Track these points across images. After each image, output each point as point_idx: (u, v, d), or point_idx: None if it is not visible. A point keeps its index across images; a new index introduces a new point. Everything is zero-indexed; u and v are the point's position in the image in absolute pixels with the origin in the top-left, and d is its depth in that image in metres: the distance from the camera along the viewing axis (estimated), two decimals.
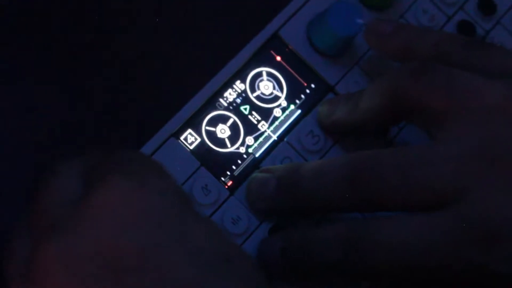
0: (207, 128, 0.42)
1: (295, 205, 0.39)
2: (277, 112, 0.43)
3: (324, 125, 0.43)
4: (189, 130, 0.42)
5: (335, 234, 0.36)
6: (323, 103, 0.43)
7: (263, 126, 0.43)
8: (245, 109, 0.43)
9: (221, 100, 0.43)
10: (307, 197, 0.38)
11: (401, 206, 0.36)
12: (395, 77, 0.38)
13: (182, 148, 0.41)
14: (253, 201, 0.41)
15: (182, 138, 0.41)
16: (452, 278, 0.34)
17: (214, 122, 0.42)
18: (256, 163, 0.42)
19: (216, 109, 0.42)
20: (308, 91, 0.44)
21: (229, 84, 0.43)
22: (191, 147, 0.41)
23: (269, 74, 0.44)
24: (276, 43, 0.44)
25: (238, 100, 0.43)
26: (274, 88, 0.44)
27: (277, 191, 0.40)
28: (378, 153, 0.37)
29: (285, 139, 0.43)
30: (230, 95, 0.43)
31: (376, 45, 0.43)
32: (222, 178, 0.41)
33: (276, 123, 0.43)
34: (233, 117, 0.43)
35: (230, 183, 0.41)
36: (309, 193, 0.38)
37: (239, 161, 0.42)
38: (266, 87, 0.44)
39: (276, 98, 0.44)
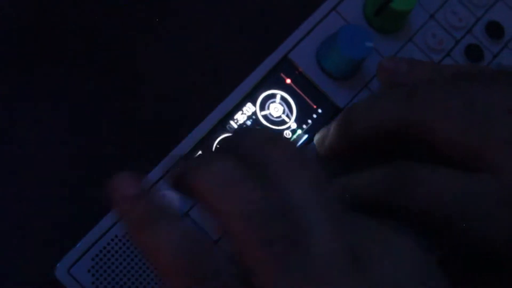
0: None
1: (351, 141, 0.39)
2: (286, 134, 0.44)
3: (320, 153, 0.43)
4: (199, 153, 0.42)
5: (383, 172, 0.37)
6: (318, 133, 0.43)
7: None
8: None
9: (231, 122, 0.43)
10: (360, 127, 0.38)
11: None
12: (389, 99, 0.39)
13: None
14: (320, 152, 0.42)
15: None
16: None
17: None
18: None
19: (226, 131, 0.43)
20: (317, 113, 0.44)
21: (239, 106, 0.43)
22: None
23: (279, 97, 0.44)
24: (286, 66, 0.45)
25: (248, 122, 0.43)
26: (283, 110, 0.44)
27: (334, 132, 0.40)
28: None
29: None
30: (240, 117, 0.43)
31: (388, 82, 0.43)
32: None
33: None
34: None
35: None
36: (363, 119, 0.38)
37: None
38: (276, 109, 0.44)
39: (286, 120, 0.44)
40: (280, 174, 0.30)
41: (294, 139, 0.44)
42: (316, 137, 0.43)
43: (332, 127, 0.41)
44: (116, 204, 0.32)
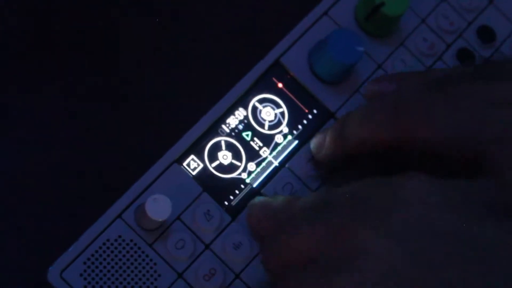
0: (210, 154, 0.43)
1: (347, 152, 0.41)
2: (278, 138, 0.44)
3: (317, 159, 0.43)
4: (192, 156, 0.42)
5: None
6: (314, 138, 0.44)
7: (264, 152, 0.43)
8: (247, 135, 0.44)
9: (223, 126, 0.43)
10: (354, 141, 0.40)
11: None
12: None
13: (185, 174, 0.42)
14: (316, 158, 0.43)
15: (185, 164, 0.42)
16: None
17: (216, 148, 0.43)
18: (257, 189, 0.43)
19: (218, 135, 0.43)
20: (309, 117, 0.45)
21: (231, 110, 0.44)
22: (194, 173, 0.42)
23: (271, 101, 0.44)
24: (277, 70, 0.45)
25: (240, 127, 0.43)
26: (275, 114, 0.44)
27: (330, 140, 0.41)
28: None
29: (286, 165, 0.43)
30: (232, 121, 0.43)
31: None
32: (224, 204, 0.42)
33: (278, 149, 0.44)
34: (235, 143, 0.43)
35: (232, 208, 0.42)
36: (356, 136, 0.40)
37: (241, 187, 0.42)
38: (267, 113, 0.44)
39: (278, 124, 0.44)
40: None
41: (284, 145, 0.44)
42: (312, 144, 0.43)
43: (328, 139, 0.42)
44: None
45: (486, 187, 0.34)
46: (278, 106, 0.44)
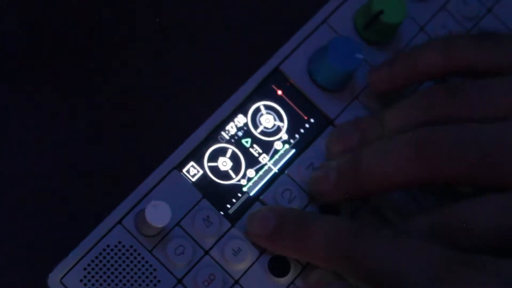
0: (209, 160, 0.43)
1: (357, 191, 0.41)
2: (277, 145, 0.44)
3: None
4: (192, 163, 0.42)
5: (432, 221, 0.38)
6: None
7: (264, 159, 0.44)
8: (247, 142, 0.44)
9: (223, 133, 0.44)
10: (370, 179, 0.40)
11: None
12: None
13: (184, 180, 0.42)
14: (314, 197, 0.43)
15: (184, 170, 0.42)
16: None
17: (216, 155, 0.43)
18: (257, 195, 0.43)
19: (218, 142, 0.43)
20: (308, 124, 0.45)
21: (231, 117, 0.44)
22: (194, 180, 0.42)
23: (271, 108, 0.45)
24: (277, 77, 0.45)
25: (240, 134, 0.44)
26: (275, 121, 0.45)
27: (339, 181, 0.41)
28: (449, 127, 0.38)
29: (286, 172, 0.44)
30: (232, 128, 0.44)
31: (383, 88, 0.44)
32: (224, 210, 0.42)
33: (277, 156, 0.44)
34: (235, 150, 0.43)
35: (231, 214, 0.42)
36: (373, 174, 0.39)
37: (240, 193, 0.43)
38: (267, 120, 0.44)
39: (277, 131, 0.44)
40: None
41: (284, 152, 0.44)
42: (311, 179, 0.43)
43: (333, 182, 0.41)
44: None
45: None
46: (278, 113, 0.45)
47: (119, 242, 0.40)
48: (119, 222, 0.40)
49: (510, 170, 0.37)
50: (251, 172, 0.43)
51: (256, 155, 0.44)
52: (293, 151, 0.44)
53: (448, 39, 0.42)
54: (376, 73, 0.44)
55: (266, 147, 0.44)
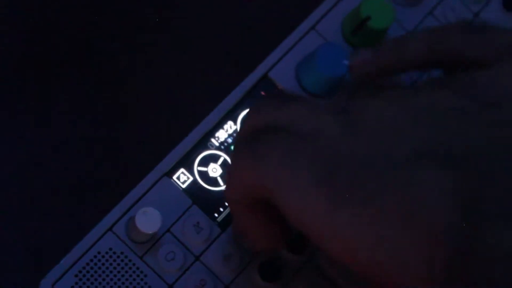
0: (199, 167, 0.43)
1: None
2: None
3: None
4: (182, 169, 0.43)
5: None
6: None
7: None
8: None
9: (212, 140, 0.44)
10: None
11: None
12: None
13: (174, 187, 0.42)
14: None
15: (174, 177, 0.43)
16: None
17: (206, 161, 0.43)
18: None
19: (208, 148, 0.44)
20: None
21: (220, 124, 0.44)
22: (184, 186, 0.43)
23: None
24: (266, 84, 0.46)
25: (230, 140, 0.44)
26: None
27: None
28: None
29: None
30: (221, 135, 0.44)
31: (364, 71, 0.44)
32: (214, 216, 0.42)
33: None
34: (225, 157, 0.44)
35: (221, 220, 0.42)
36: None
37: None
38: None
39: None
40: None
41: None
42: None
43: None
44: None
45: None
46: None
47: (110, 249, 0.40)
48: (110, 228, 0.41)
49: None
50: None
51: None
52: None
53: (435, 29, 0.42)
54: (360, 55, 0.42)
55: None
